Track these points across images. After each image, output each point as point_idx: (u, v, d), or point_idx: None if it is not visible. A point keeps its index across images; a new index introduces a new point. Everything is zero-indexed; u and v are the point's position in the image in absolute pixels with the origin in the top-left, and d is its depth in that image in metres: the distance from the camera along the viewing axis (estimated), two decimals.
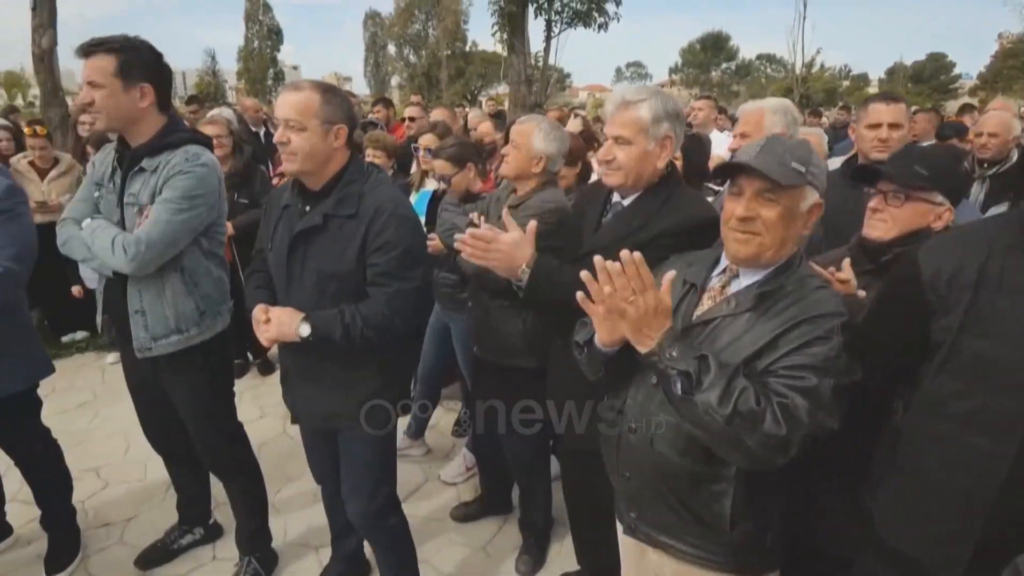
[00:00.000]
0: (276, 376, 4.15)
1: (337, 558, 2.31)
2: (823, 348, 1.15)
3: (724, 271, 1.34)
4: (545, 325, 2.16)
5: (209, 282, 2.01)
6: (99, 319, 2.06)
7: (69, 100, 7.63)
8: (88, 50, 1.77)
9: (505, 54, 10.81)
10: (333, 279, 1.68)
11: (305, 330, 1.63)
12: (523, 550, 2.51)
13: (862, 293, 1.47)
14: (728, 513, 1.26)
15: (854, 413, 1.20)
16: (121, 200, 1.89)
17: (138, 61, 1.81)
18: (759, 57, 51.69)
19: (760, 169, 1.19)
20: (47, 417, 2.42)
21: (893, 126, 2.14)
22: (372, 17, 46.45)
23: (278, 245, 1.76)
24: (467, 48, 41.19)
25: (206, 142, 1.98)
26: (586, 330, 1.38)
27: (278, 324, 1.66)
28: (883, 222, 1.54)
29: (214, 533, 2.57)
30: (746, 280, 1.29)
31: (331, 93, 1.62)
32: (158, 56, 1.88)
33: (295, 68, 56.01)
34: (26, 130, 4.19)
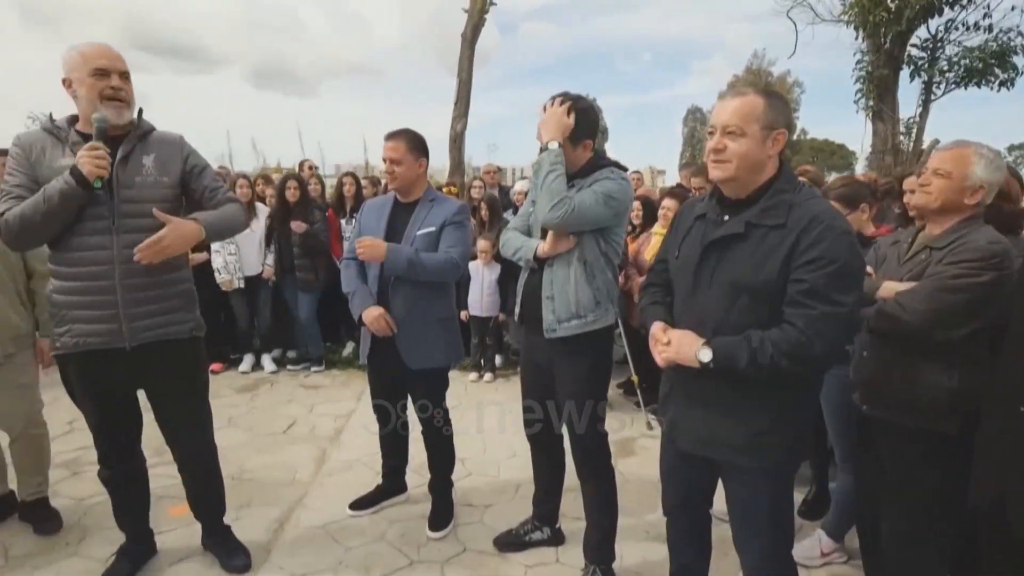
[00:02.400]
0: None
1: None
2: None
3: None
4: (979, 384, 1.80)
5: (603, 279, 2.23)
6: (517, 310, 2.44)
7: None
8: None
9: (869, 123, 9.76)
10: (745, 291, 1.58)
11: (706, 355, 1.57)
12: None
13: None
14: None
15: None
16: None
17: (588, 121, 2.17)
18: None
19: None
20: None
21: None
22: (693, 112, 48.19)
23: (687, 253, 1.74)
24: (794, 137, 39.53)
25: (627, 168, 2.27)
26: None
27: (677, 346, 1.63)
28: None
29: (559, 538, 2.71)
30: None
31: (774, 98, 1.60)
32: (597, 115, 2.25)
33: None
34: (445, 189, 5.44)
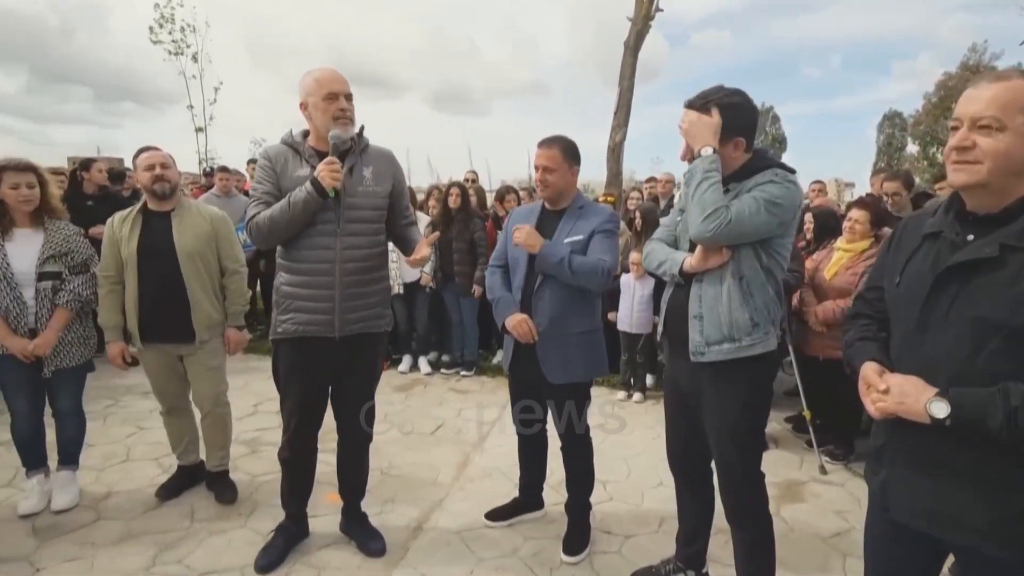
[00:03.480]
0: None
1: None
2: None
3: None
4: None
5: (763, 297, 1.95)
6: (660, 328, 2.23)
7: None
8: (691, 103, 1.95)
9: None
10: (998, 334, 1.23)
11: (940, 410, 1.24)
12: None
13: None
14: None
15: None
16: None
17: (737, 117, 1.92)
18: None
19: None
20: None
21: None
22: (890, 118, 42.78)
23: (912, 280, 1.40)
24: None
25: (794, 169, 1.96)
26: None
27: (900, 396, 1.31)
28: None
29: None
30: None
31: None
32: (753, 108, 1.97)
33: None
34: (602, 198, 5.35)
